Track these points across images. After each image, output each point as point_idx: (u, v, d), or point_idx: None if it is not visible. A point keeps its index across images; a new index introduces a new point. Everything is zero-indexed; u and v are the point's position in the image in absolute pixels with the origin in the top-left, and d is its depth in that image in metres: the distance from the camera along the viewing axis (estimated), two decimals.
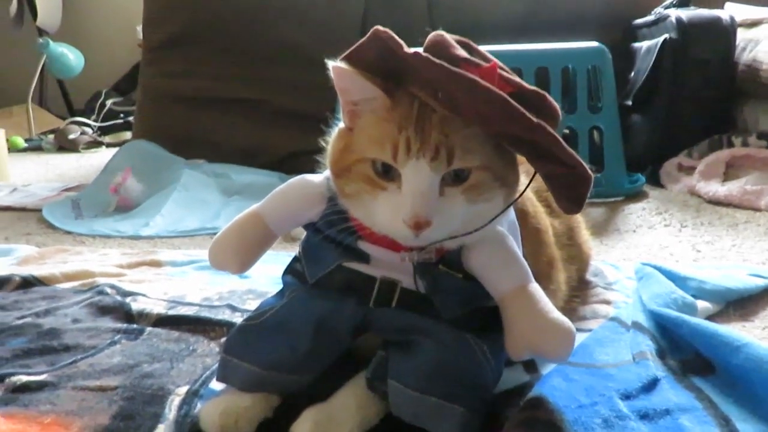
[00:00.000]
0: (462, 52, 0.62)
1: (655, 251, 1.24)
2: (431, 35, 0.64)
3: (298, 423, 0.61)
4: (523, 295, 0.64)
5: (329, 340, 0.65)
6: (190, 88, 2.09)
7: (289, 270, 0.74)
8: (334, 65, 0.62)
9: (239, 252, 0.71)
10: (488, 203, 0.62)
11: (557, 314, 0.63)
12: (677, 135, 1.87)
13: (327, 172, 0.70)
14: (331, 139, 0.68)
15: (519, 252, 0.68)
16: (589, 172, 0.61)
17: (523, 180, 0.82)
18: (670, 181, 1.78)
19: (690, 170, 1.77)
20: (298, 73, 1.80)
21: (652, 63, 1.90)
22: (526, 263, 0.66)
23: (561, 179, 0.62)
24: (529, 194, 0.83)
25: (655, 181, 1.82)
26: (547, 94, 0.62)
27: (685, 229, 1.39)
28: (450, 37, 0.63)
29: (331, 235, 0.67)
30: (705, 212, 1.51)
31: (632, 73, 2.02)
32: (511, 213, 0.74)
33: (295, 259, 0.73)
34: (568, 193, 0.63)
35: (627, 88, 1.99)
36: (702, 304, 0.88)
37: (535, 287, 0.65)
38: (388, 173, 0.61)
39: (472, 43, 0.65)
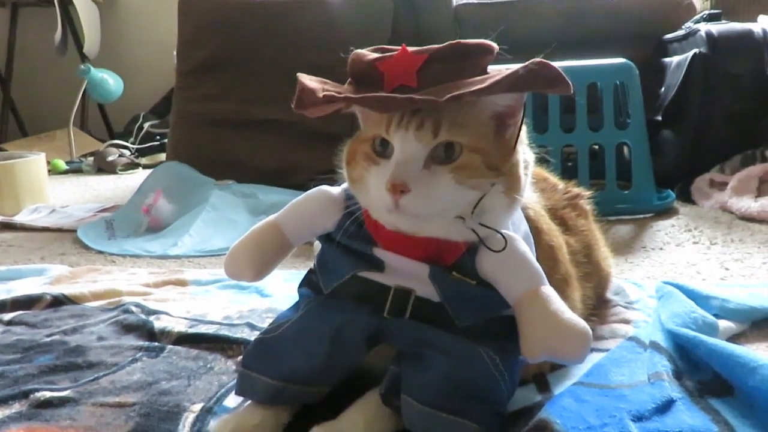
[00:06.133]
0: (373, 55, 0.66)
1: (681, 269, 1.22)
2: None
3: None
4: (537, 298, 0.63)
5: (344, 351, 0.65)
6: (222, 111, 2.14)
7: (305, 282, 0.75)
8: (357, 98, 0.64)
9: (255, 260, 0.73)
10: (478, 190, 0.63)
11: (572, 315, 0.62)
12: (708, 150, 1.83)
13: (345, 184, 0.72)
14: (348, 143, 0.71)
15: (532, 256, 0.68)
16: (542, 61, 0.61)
17: (536, 198, 0.83)
18: (702, 198, 1.74)
19: (722, 186, 1.73)
20: None
21: (681, 78, 1.88)
22: (539, 266, 0.66)
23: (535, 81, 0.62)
24: (543, 212, 0.83)
25: (687, 198, 1.79)
26: (461, 41, 0.65)
27: (714, 246, 1.36)
28: (360, 51, 0.68)
29: (346, 244, 0.69)
30: (736, 229, 1.48)
31: (662, 89, 1.99)
32: (525, 225, 0.74)
33: (311, 272, 0.75)
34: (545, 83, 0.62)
35: (657, 103, 1.97)
36: (724, 324, 0.86)
37: (549, 289, 0.64)
38: (384, 150, 0.65)
39: (384, 47, 0.69)
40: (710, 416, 0.66)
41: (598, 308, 0.93)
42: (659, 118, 1.92)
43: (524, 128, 0.68)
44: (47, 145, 3.24)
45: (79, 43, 3.44)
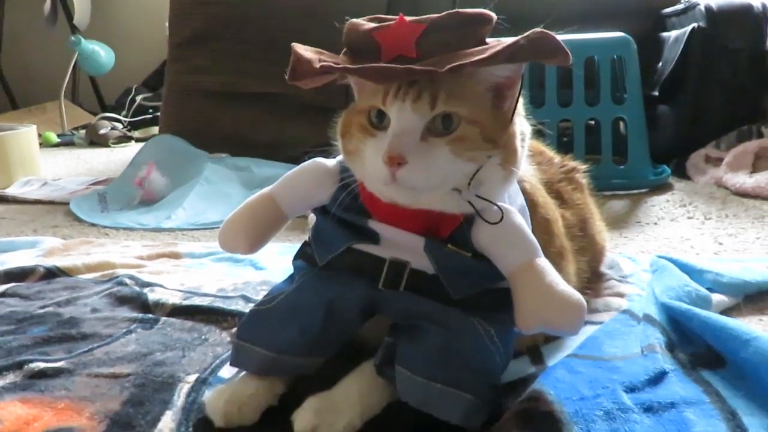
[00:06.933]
0: (370, 25, 0.65)
1: (675, 244, 1.22)
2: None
3: (299, 411, 0.62)
4: (531, 270, 0.63)
5: (339, 322, 0.65)
6: (215, 83, 2.11)
7: (300, 254, 0.74)
8: (356, 68, 0.63)
9: (249, 233, 0.72)
10: (475, 162, 0.62)
11: (566, 287, 0.62)
12: (705, 126, 1.83)
13: (340, 156, 0.71)
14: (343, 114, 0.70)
15: (528, 229, 0.67)
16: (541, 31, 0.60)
17: (532, 171, 0.82)
18: (697, 173, 1.74)
19: (717, 162, 1.73)
20: None
21: (679, 52, 1.86)
22: (534, 239, 0.66)
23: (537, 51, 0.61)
24: (539, 186, 0.82)
25: (682, 173, 1.79)
26: (459, 10, 0.64)
27: (708, 221, 1.36)
28: (356, 21, 0.66)
29: (341, 216, 0.69)
30: (731, 204, 1.48)
31: (660, 63, 1.98)
32: (521, 198, 0.74)
33: (306, 244, 0.74)
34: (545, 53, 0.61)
35: (654, 78, 1.95)
36: (717, 297, 0.87)
37: (544, 262, 0.64)
38: (381, 122, 0.64)
39: (380, 16, 0.67)
40: (702, 387, 0.66)
41: (592, 282, 0.94)
42: (656, 93, 1.91)
43: (521, 100, 0.67)
44: (38, 117, 3.20)
45: (69, 14, 3.37)
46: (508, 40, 0.60)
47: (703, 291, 0.85)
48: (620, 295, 0.93)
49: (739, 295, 0.90)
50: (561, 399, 0.61)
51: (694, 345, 0.75)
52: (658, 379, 0.67)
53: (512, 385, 0.68)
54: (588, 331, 0.80)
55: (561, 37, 0.60)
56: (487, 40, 0.65)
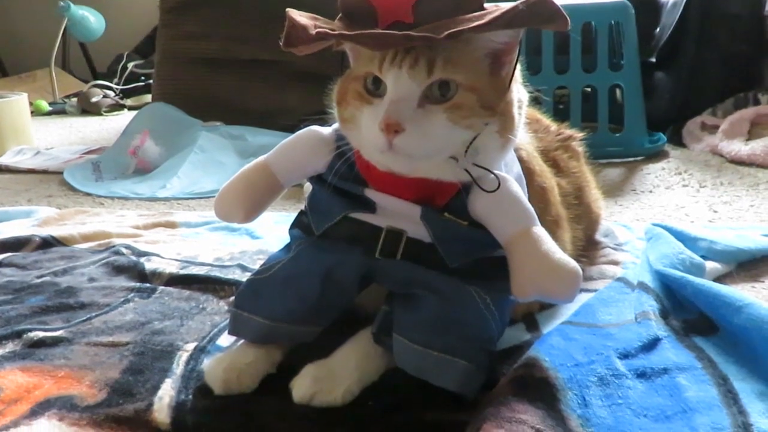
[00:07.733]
0: None
1: (670, 211, 1.23)
2: None
3: (298, 378, 0.62)
4: (528, 238, 0.63)
5: (336, 291, 0.66)
6: (207, 50, 2.08)
7: (296, 223, 0.74)
8: (352, 35, 0.61)
9: (245, 202, 0.72)
10: (472, 130, 0.62)
11: (562, 255, 0.63)
12: (702, 93, 1.82)
13: (336, 124, 0.71)
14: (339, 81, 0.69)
15: (524, 197, 0.67)
16: None
17: (529, 139, 0.82)
18: (693, 141, 1.74)
19: (713, 129, 1.72)
20: None
21: (677, 18, 1.84)
22: (531, 207, 0.66)
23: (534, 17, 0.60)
24: (535, 154, 0.82)
25: (678, 141, 1.78)
26: None
27: (703, 189, 1.37)
28: None
29: (338, 185, 0.68)
30: (726, 172, 1.48)
31: (657, 29, 1.96)
32: (518, 166, 0.74)
33: (302, 213, 0.74)
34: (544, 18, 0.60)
35: (651, 44, 1.94)
36: (711, 265, 0.87)
37: (540, 230, 0.64)
38: (377, 89, 0.63)
39: None
40: (694, 353, 0.67)
41: (587, 250, 0.94)
42: (653, 59, 1.90)
43: (519, 67, 0.67)
44: (28, 85, 3.17)
45: None
46: (506, 5, 0.60)
47: (697, 258, 0.86)
48: (615, 262, 0.94)
49: (732, 263, 0.90)
50: (556, 365, 0.62)
51: (688, 312, 0.76)
52: (651, 345, 0.68)
53: (508, 352, 0.69)
54: (583, 298, 0.80)
55: (559, 2, 0.59)
56: (485, 5, 0.64)
